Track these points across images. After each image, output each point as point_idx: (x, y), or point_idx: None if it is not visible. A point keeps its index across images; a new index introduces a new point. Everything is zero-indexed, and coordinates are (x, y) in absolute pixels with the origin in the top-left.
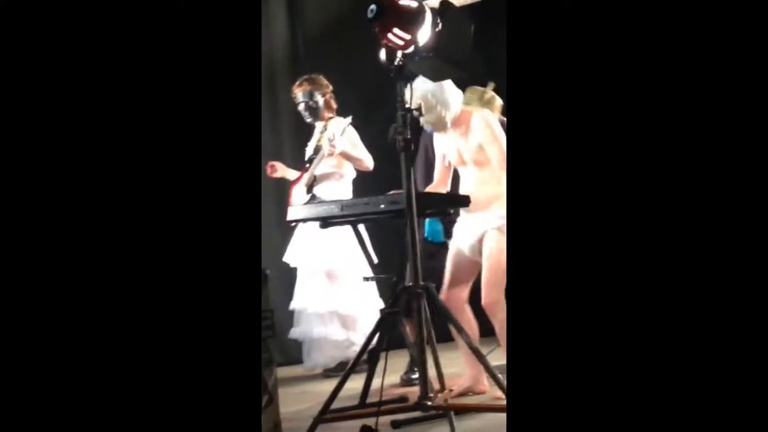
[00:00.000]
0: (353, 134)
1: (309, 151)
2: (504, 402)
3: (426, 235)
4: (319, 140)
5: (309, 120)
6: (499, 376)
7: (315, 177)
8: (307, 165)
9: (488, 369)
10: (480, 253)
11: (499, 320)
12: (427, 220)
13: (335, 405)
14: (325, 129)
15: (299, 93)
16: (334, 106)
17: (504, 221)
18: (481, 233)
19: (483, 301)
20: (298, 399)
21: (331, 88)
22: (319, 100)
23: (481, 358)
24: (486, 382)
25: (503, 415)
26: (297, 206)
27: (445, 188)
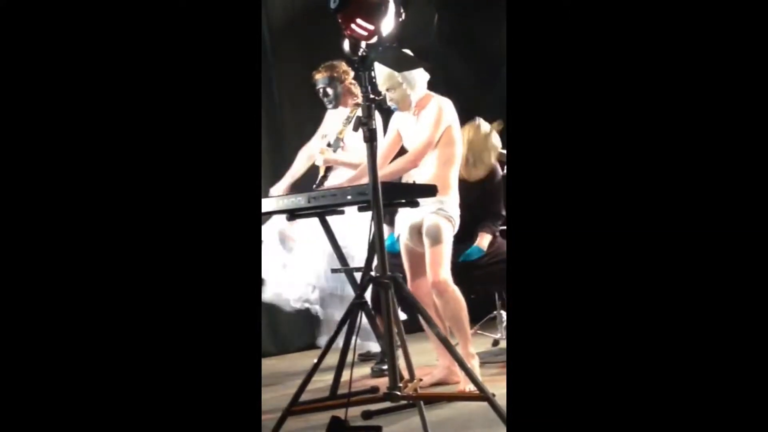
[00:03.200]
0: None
1: (331, 138)
2: (475, 391)
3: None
4: (340, 132)
5: (329, 106)
6: (468, 366)
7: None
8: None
9: (458, 359)
10: (421, 240)
11: (446, 300)
12: (467, 251)
13: (305, 397)
14: (350, 118)
15: (319, 79)
16: (356, 92)
17: (441, 205)
18: (419, 221)
19: (430, 279)
20: (267, 391)
21: (351, 74)
22: (338, 87)
23: (450, 348)
24: (459, 373)
25: (473, 404)
26: (267, 199)
27: (386, 163)
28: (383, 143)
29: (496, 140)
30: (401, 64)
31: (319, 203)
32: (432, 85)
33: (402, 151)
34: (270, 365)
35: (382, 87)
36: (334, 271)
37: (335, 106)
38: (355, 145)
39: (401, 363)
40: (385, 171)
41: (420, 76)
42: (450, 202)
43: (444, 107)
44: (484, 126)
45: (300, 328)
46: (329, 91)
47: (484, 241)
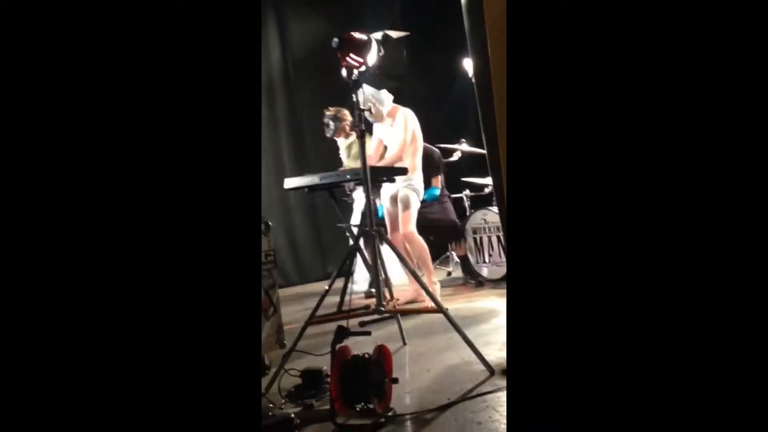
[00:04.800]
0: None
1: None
2: (435, 307)
3: (425, 198)
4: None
5: (328, 134)
6: (431, 290)
7: None
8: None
9: (422, 285)
10: (397, 205)
11: (413, 245)
12: (427, 190)
13: (319, 312)
14: (350, 147)
15: (327, 114)
16: (348, 130)
17: (410, 182)
18: (395, 192)
19: (402, 232)
20: (293, 309)
21: (349, 119)
22: (337, 123)
23: (417, 278)
24: (424, 294)
25: (433, 315)
26: (291, 178)
27: (378, 159)
28: (372, 147)
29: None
30: (381, 85)
31: (328, 181)
32: (402, 99)
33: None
34: (295, 290)
35: (363, 106)
36: (338, 226)
37: (332, 136)
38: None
39: (385, 288)
40: (383, 162)
41: (386, 96)
42: (416, 179)
43: (408, 116)
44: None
45: (315, 264)
46: (331, 124)
47: (438, 182)
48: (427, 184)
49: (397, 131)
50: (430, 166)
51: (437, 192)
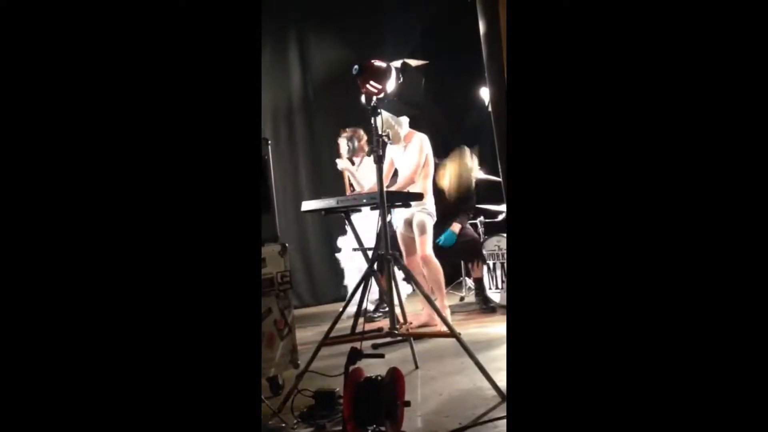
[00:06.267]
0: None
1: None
2: (447, 331)
3: (440, 242)
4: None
5: (347, 155)
6: (443, 314)
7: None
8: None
9: (436, 309)
10: (412, 230)
11: (431, 268)
12: (443, 234)
13: (333, 334)
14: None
15: (343, 135)
16: (365, 149)
17: (424, 206)
18: (410, 217)
19: (420, 255)
20: (307, 329)
21: (365, 138)
22: (356, 143)
23: (431, 302)
24: (437, 318)
25: (445, 340)
26: (308, 201)
27: (387, 180)
28: (384, 168)
29: (474, 164)
30: (399, 112)
31: (344, 204)
32: (418, 124)
33: (395, 172)
34: (309, 312)
35: (382, 130)
36: (354, 250)
37: (351, 155)
38: (363, 175)
39: (398, 311)
40: (396, 185)
41: (404, 120)
42: (429, 203)
43: (423, 141)
44: (466, 156)
45: (330, 286)
46: (349, 144)
47: (455, 227)
48: (447, 222)
49: (411, 155)
50: (460, 206)
51: (452, 236)
